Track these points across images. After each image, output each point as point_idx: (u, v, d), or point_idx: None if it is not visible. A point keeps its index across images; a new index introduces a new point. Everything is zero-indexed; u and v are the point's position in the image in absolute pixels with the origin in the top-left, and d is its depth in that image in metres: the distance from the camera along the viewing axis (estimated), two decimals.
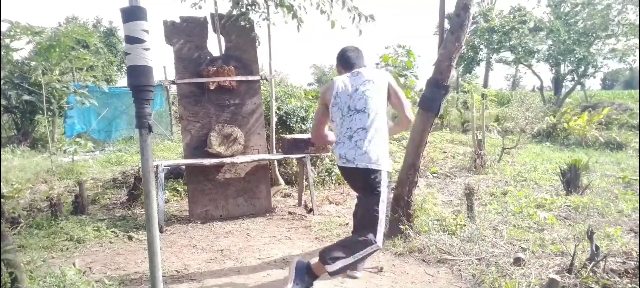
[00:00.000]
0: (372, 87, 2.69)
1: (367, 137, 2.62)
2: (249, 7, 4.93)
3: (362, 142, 2.61)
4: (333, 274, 2.60)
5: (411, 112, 2.83)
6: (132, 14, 1.89)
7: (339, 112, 2.73)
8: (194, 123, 4.59)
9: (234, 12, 4.84)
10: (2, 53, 7.71)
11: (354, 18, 4.83)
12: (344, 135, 2.70)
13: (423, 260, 3.30)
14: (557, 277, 2.41)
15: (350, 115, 2.69)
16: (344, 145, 2.69)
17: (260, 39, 4.92)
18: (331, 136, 2.97)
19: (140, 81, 1.92)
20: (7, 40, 6.33)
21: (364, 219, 2.66)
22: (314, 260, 2.67)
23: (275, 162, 5.54)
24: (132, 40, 1.89)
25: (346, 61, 2.92)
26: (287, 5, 5.02)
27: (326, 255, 2.56)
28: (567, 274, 2.70)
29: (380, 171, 2.61)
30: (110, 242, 3.83)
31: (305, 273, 2.62)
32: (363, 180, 2.64)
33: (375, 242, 2.57)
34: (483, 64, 21.56)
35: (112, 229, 4.09)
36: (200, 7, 5.16)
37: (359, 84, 2.71)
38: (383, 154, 2.64)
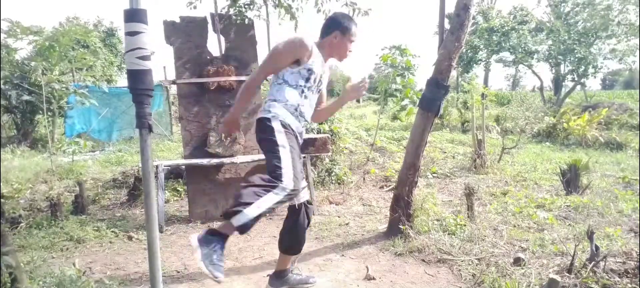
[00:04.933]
0: None
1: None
2: (246, 6, 4.93)
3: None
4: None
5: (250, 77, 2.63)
6: (133, 15, 1.89)
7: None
8: (194, 123, 4.59)
9: (230, 11, 4.84)
10: (2, 53, 7.71)
11: (353, 12, 4.83)
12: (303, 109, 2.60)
13: (423, 260, 3.30)
14: (557, 277, 2.41)
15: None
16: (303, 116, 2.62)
17: (257, 39, 4.93)
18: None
19: (139, 84, 1.92)
20: (10, 41, 6.32)
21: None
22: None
23: None
24: (132, 42, 1.89)
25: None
26: (285, 6, 5.03)
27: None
28: (567, 274, 2.70)
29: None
30: (110, 242, 3.83)
31: (210, 236, 2.22)
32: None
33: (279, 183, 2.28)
34: (482, 64, 21.54)
35: (112, 229, 4.09)
36: (195, 7, 5.17)
37: None
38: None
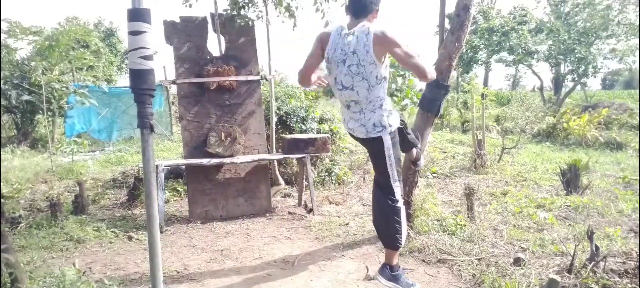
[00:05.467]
0: (355, 60, 2.47)
1: (360, 109, 2.62)
2: (245, 5, 4.94)
3: (358, 114, 2.63)
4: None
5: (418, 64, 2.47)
6: (136, 14, 1.88)
7: (332, 78, 2.65)
8: (194, 123, 4.59)
9: (230, 11, 4.85)
10: (2, 53, 7.70)
11: None
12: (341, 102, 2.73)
13: (423, 260, 3.31)
14: (557, 277, 2.42)
15: (340, 90, 2.61)
16: (344, 112, 2.75)
17: (256, 39, 4.93)
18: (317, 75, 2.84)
19: (142, 83, 1.92)
20: (10, 41, 6.32)
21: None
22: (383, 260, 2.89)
23: (275, 162, 5.55)
24: (134, 41, 1.89)
25: (349, 5, 2.60)
26: (285, 6, 5.03)
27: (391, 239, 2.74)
28: (567, 274, 2.70)
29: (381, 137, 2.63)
30: (110, 242, 3.83)
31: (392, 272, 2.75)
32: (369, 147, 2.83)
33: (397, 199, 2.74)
34: (482, 64, 21.52)
35: (112, 229, 4.09)
36: (190, 5, 5.15)
37: (343, 54, 2.51)
38: (378, 120, 2.60)
